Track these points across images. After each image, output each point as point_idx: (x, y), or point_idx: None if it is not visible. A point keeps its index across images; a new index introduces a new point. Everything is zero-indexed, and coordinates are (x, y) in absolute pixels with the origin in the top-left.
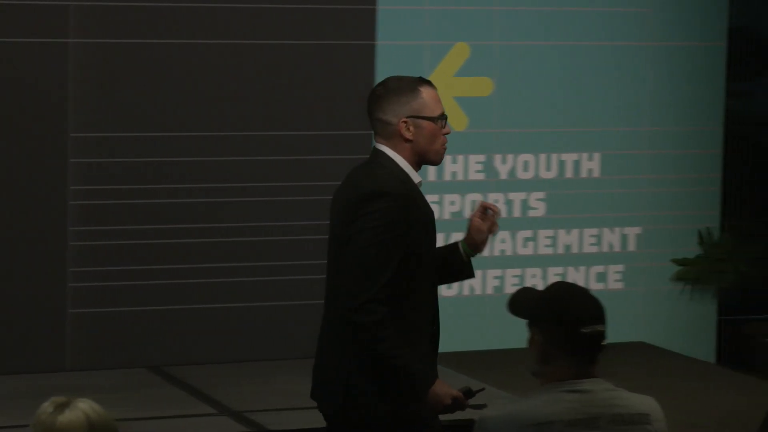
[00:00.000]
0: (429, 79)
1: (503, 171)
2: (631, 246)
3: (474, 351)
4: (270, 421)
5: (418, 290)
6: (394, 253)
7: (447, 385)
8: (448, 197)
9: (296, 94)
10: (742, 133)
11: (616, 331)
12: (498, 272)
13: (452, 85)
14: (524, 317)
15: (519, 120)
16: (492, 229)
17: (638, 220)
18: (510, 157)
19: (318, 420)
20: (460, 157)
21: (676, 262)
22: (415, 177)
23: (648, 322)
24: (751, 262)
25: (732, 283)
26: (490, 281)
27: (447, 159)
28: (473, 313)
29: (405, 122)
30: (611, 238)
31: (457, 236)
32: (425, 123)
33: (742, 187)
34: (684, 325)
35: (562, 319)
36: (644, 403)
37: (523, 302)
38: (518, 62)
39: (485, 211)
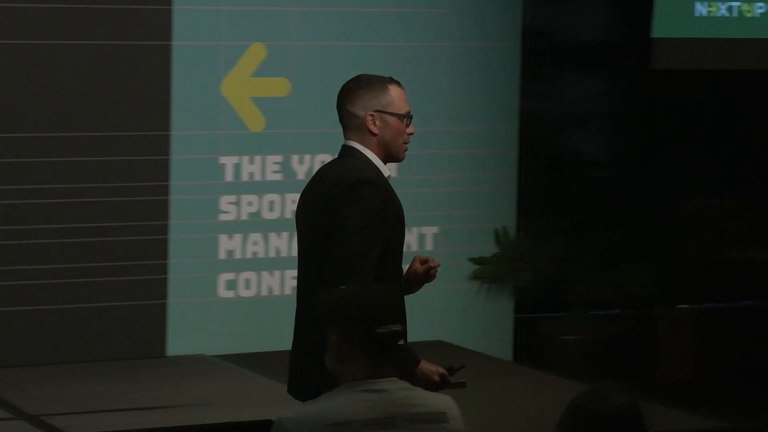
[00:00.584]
0: (225, 79)
1: (301, 171)
2: (429, 245)
3: (273, 351)
4: (68, 424)
5: (386, 278)
6: (377, 238)
7: (430, 363)
8: (245, 198)
9: (92, 95)
10: (537, 132)
11: (413, 330)
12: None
13: (249, 86)
14: (323, 317)
15: (316, 120)
16: (428, 279)
17: (435, 220)
18: (308, 157)
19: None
20: (258, 158)
21: (473, 261)
22: (385, 171)
23: (446, 320)
24: (547, 261)
25: (528, 282)
26: (288, 282)
27: (244, 159)
28: (272, 313)
29: (372, 116)
30: (408, 237)
31: (255, 237)
32: (391, 119)
33: (538, 187)
34: (481, 324)
35: (357, 320)
36: (441, 401)
37: (322, 303)
38: (315, 63)
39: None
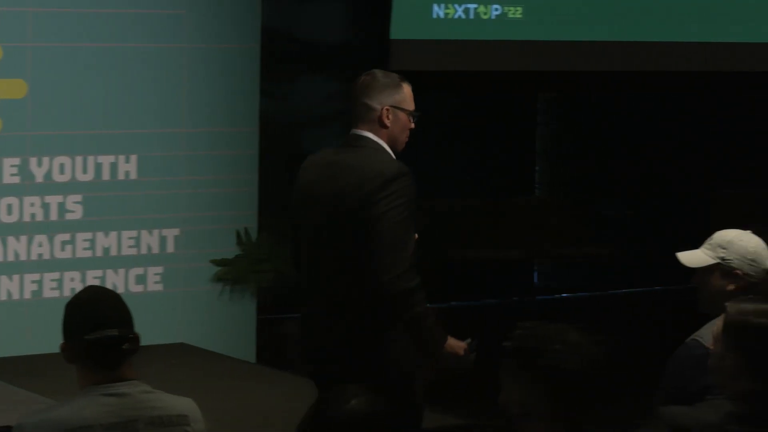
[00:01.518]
0: None
1: (39, 174)
2: (170, 247)
3: (13, 357)
4: None
5: None
6: (413, 226)
7: (454, 338)
8: None
9: None
10: (278, 133)
11: (156, 333)
12: (36, 276)
13: None
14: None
15: (55, 122)
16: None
17: (177, 222)
18: (46, 159)
19: None
20: None
21: (215, 262)
22: None
23: (188, 323)
24: (288, 262)
25: (270, 283)
26: (28, 285)
27: None
28: (11, 318)
29: (387, 110)
30: (150, 240)
31: None
32: (402, 114)
33: (279, 187)
34: (224, 326)
35: (69, 328)
36: (182, 404)
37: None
38: (53, 64)
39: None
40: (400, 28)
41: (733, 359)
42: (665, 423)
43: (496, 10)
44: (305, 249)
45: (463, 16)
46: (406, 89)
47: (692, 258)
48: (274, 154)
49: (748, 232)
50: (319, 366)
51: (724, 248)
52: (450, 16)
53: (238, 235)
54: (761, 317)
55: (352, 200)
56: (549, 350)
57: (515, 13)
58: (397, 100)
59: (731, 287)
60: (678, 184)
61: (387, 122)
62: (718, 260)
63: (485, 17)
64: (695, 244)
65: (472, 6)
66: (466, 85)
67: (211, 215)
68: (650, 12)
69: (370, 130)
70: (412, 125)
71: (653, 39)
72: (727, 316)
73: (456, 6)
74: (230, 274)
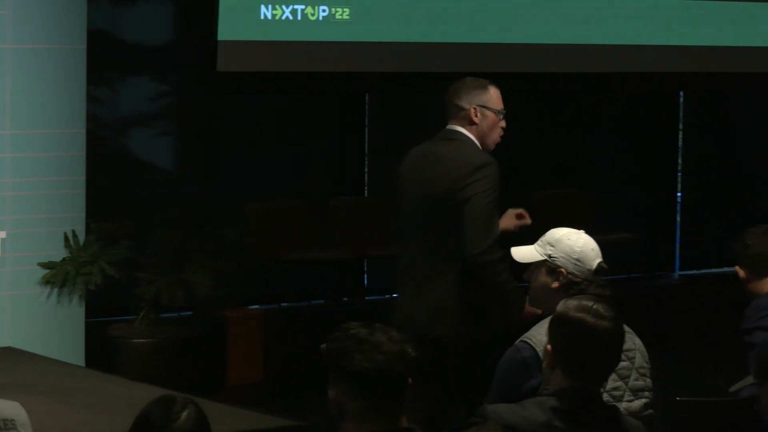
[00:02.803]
0: None
1: None
2: None
3: None
4: None
5: None
6: (497, 208)
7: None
8: None
9: None
10: (104, 135)
11: None
12: None
13: None
14: None
15: None
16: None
17: (3, 224)
18: None
19: None
20: None
21: (43, 265)
22: None
23: (15, 327)
24: (115, 264)
25: (97, 286)
26: None
27: None
28: None
29: (475, 109)
30: None
31: None
32: (489, 113)
33: (106, 189)
34: (52, 329)
35: None
36: (9, 408)
37: None
38: None
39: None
40: (227, 29)
41: (553, 354)
42: (493, 421)
43: (324, 11)
44: (405, 228)
45: (291, 17)
46: (493, 91)
47: (522, 253)
48: (101, 156)
49: (580, 231)
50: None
51: (552, 246)
52: (278, 17)
53: (66, 237)
54: (580, 312)
55: (446, 184)
56: (352, 351)
57: (343, 14)
58: (484, 100)
59: (555, 285)
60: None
61: (476, 120)
62: (546, 257)
63: (313, 18)
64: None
65: (299, 7)
66: (294, 86)
67: (39, 218)
68: (475, 14)
69: (462, 126)
70: (503, 123)
71: (478, 41)
72: (556, 311)
73: (283, 7)
74: (57, 277)
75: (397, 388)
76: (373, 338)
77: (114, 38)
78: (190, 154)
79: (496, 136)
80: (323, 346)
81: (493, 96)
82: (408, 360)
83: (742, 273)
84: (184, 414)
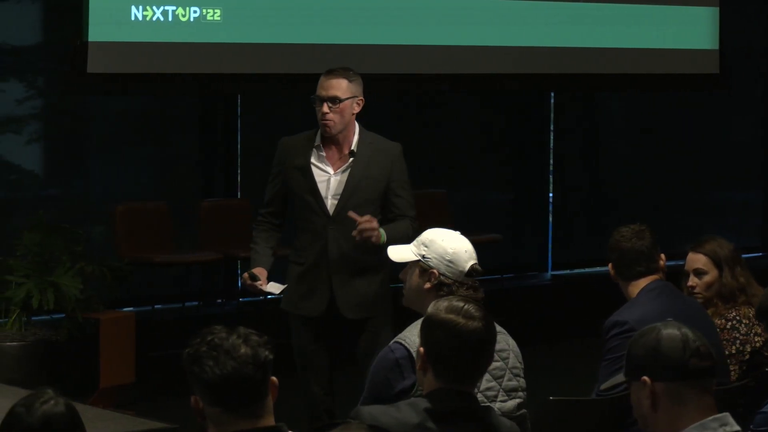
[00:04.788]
0: None
1: None
2: None
3: None
4: None
5: None
6: (271, 182)
7: None
8: None
9: None
10: None
11: None
12: None
13: None
14: None
15: None
16: None
17: None
18: None
19: None
20: None
21: None
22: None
23: None
24: None
25: None
26: None
27: None
28: None
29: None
30: None
31: None
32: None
33: None
34: None
35: None
36: None
37: None
38: None
39: None
40: (97, 30)
41: (425, 356)
42: (366, 423)
43: (195, 12)
44: None
45: (162, 18)
46: (320, 79)
47: (398, 253)
48: None
49: (455, 232)
50: None
51: (426, 246)
52: (149, 18)
53: None
54: (450, 313)
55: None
56: (205, 357)
57: (214, 15)
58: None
59: (427, 285)
60: None
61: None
62: (419, 257)
63: (184, 19)
64: None
65: (170, 8)
66: (161, 87)
67: None
68: (345, 16)
69: None
70: (320, 107)
71: (348, 42)
72: (426, 313)
73: (154, 8)
74: None
75: (253, 391)
76: (227, 343)
77: None
78: (56, 156)
79: (319, 118)
80: (186, 349)
81: (319, 83)
82: (262, 363)
83: (612, 270)
84: (51, 402)
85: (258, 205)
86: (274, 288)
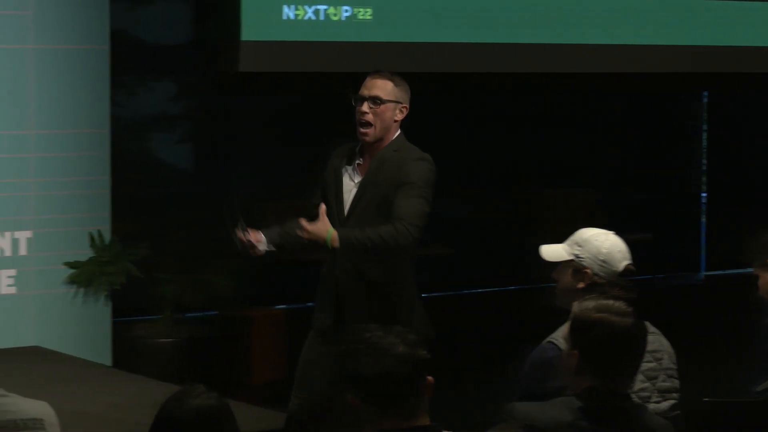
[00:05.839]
0: None
1: None
2: (23, 250)
3: None
4: None
5: None
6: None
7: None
8: None
9: None
10: (127, 135)
11: (10, 336)
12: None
13: None
14: None
15: None
16: None
17: (28, 224)
18: None
19: None
20: None
21: (68, 265)
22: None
23: (42, 326)
24: (137, 264)
25: (122, 285)
26: (3, 281)
27: None
28: None
29: None
30: (1, 242)
31: None
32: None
33: (129, 189)
34: (79, 329)
35: None
36: (37, 408)
37: None
38: None
39: None
40: (250, 30)
41: (577, 356)
42: (518, 420)
43: (347, 11)
44: None
45: (314, 17)
46: (366, 79)
47: (550, 252)
48: (123, 156)
49: (610, 232)
50: None
51: (579, 246)
52: (300, 18)
53: (91, 237)
54: (601, 312)
55: None
56: (363, 354)
57: (365, 14)
58: None
59: (580, 285)
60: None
61: None
62: (573, 257)
63: (335, 18)
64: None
65: (322, 7)
66: (311, 86)
67: (64, 217)
68: (499, 14)
69: None
70: (357, 107)
71: (501, 41)
72: (572, 314)
73: (306, 7)
74: (81, 276)
75: (409, 390)
76: (384, 342)
77: (131, 39)
78: (205, 155)
79: (357, 120)
80: (340, 349)
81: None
82: (418, 362)
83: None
84: (203, 396)
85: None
86: (263, 245)
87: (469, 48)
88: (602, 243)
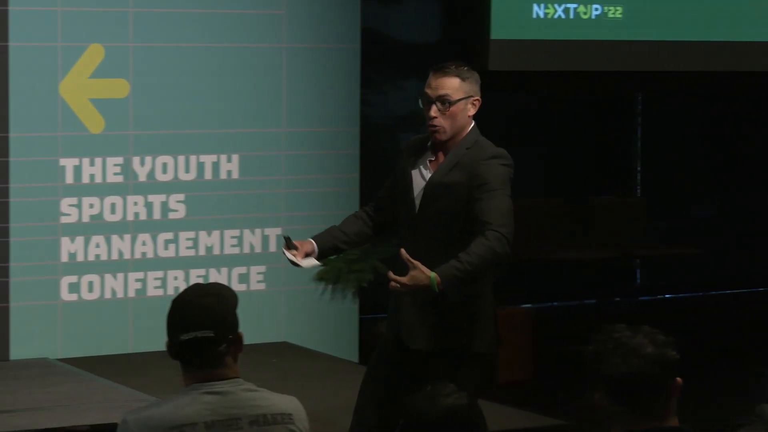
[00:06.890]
0: (64, 81)
1: (142, 173)
2: (272, 247)
3: (117, 355)
4: None
5: None
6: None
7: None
8: (86, 200)
9: None
10: (377, 133)
11: (259, 332)
12: (140, 275)
13: (87, 87)
14: None
15: (157, 122)
16: None
17: (278, 221)
18: (149, 159)
19: None
20: (98, 160)
21: None
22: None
23: (291, 322)
24: (384, 261)
25: (369, 282)
26: (132, 284)
27: (84, 161)
28: (115, 316)
29: None
30: (252, 239)
31: (97, 239)
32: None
33: (379, 187)
34: (327, 325)
35: (169, 327)
36: (286, 402)
37: None
38: (154, 64)
39: None
40: (499, 29)
41: None
42: (765, 421)
43: (597, 9)
44: None
45: (564, 16)
46: (429, 76)
47: None
48: (374, 154)
49: None
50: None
51: None
52: (550, 16)
53: None
54: None
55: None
56: (611, 354)
57: (615, 12)
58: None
59: None
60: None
61: None
62: None
63: (585, 17)
64: None
65: (572, 6)
66: (555, 84)
67: (313, 214)
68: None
69: None
70: (425, 109)
71: (747, 39)
72: None
73: (556, 6)
74: (330, 273)
75: (658, 390)
76: (634, 342)
77: (381, 38)
78: None
79: (426, 122)
80: (588, 348)
81: (426, 81)
82: (668, 363)
83: None
84: (454, 396)
85: (654, 204)
86: (307, 263)
87: (717, 46)
88: None
